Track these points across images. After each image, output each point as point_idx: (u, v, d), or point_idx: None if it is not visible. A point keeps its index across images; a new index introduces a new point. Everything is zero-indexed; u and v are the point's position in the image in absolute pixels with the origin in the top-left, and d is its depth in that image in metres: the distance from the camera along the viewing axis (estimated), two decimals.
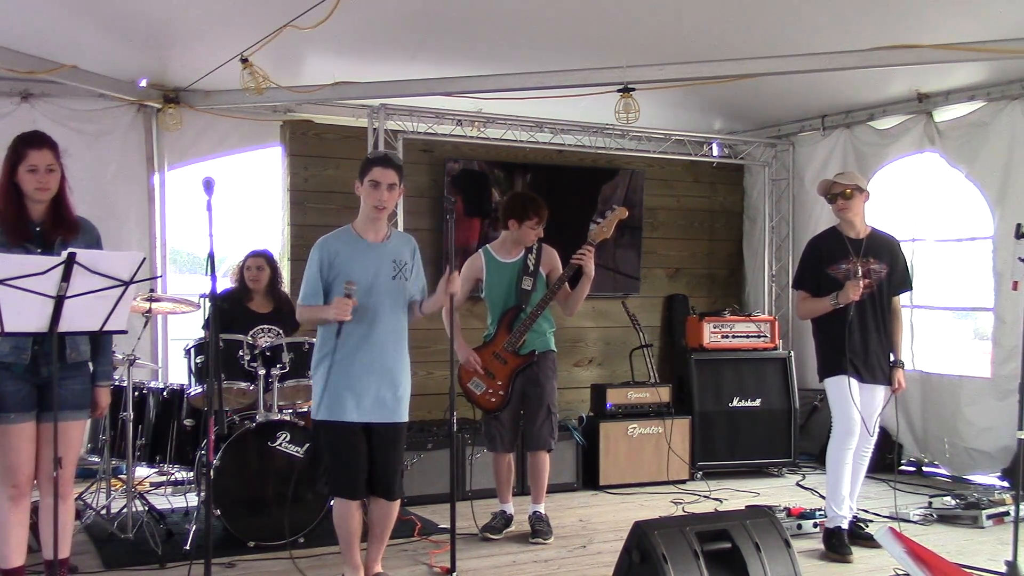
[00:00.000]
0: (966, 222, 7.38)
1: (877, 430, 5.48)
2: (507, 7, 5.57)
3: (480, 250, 5.89)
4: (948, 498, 6.19)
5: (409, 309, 4.52)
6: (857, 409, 5.30)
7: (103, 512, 5.59)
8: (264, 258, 6.36)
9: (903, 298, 5.73)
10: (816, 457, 7.58)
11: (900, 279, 5.53)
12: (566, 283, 5.63)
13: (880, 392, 5.44)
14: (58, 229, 4.04)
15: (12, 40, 5.96)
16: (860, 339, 5.34)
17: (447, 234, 4.82)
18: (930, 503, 6.22)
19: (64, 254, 3.71)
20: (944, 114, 7.35)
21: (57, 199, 4.07)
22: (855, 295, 5.25)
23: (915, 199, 7.61)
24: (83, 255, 3.74)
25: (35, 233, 4.02)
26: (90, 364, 4.20)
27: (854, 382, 5.32)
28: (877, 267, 5.40)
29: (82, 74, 6.45)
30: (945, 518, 6.02)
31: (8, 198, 3.99)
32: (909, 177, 7.68)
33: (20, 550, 4.12)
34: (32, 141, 4.01)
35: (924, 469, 7.63)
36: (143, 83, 7.00)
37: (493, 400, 5.67)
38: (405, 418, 4.50)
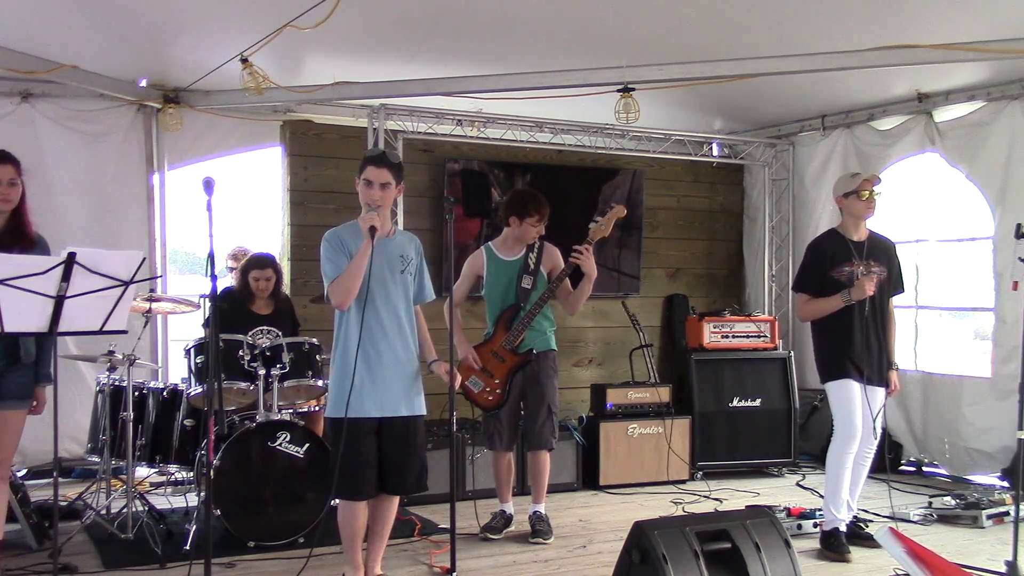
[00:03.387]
0: (966, 222, 7.38)
1: (880, 431, 5.47)
2: (507, 7, 5.57)
3: (482, 247, 5.89)
4: (948, 498, 6.19)
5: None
6: (861, 414, 5.29)
7: (103, 512, 5.58)
8: (271, 267, 6.24)
9: (907, 298, 5.71)
10: (816, 457, 7.58)
11: (895, 281, 5.54)
12: (568, 282, 5.64)
13: (881, 394, 5.43)
14: (18, 241, 4.22)
15: (12, 40, 5.96)
16: (862, 341, 5.33)
17: (447, 234, 4.81)
18: (930, 503, 6.22)
19: (64, 253, 3.73)
20: (944, 114, 7.35)
21: (17, 212, 4.28)
22: (870, 290, 5.23)
23: (916, 200, 7.61)
24: (83, 254, 3.75)
25: None
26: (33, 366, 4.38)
27: (858, 385, 5.31)
28: (878, 269, 5.39)
29: (82, 74, 6.46)
30: (945, 518, 6.02)
31: None
32: (910, 178, 7.68)
33: None
34: None
35: (924, 469, 7.63)
36: (143, 83, 7.00)
37: (490, 399, 5.67)
38: (423, 411, 4.49)
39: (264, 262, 6.25)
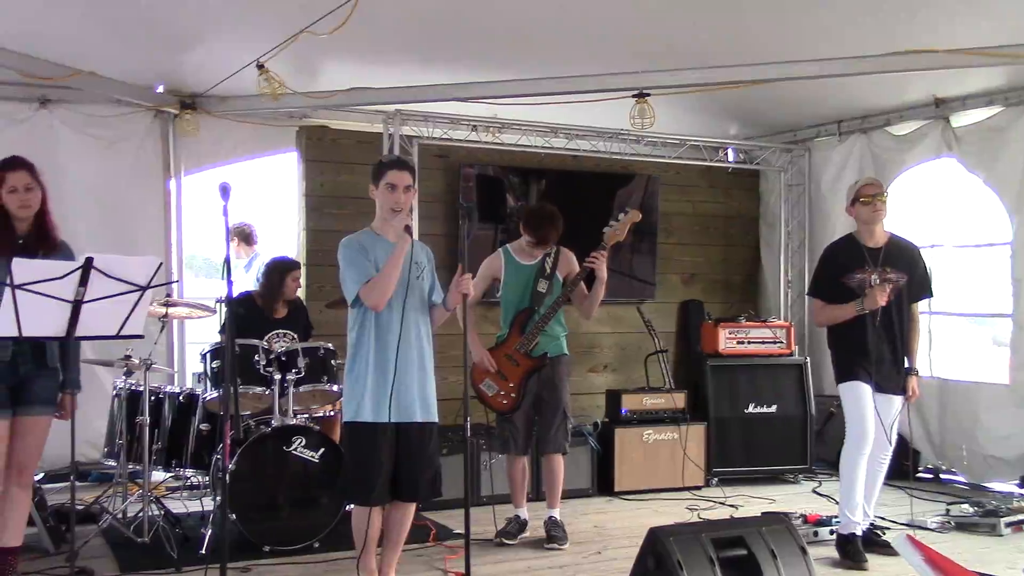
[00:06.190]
0: (984, 228, 7.34)
1: (895, 439, 5.44)
2: (522, 13, 5.57)
3: (500, 249, 5.91)
4: (966, 505, 6.14)
5: (431, 311, 4.53)
6: (872, 416, 5.26)
7: (119, 516, 5.60)
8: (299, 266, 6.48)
9: (923, 304, 5.66)
10: (832, 464, 7.51)
11: (919, 286, 5.46)
12: (583, 285, 5.64)
13: (896, 401, 5.39)
14: (40, 244, 4.32)
15: (30, 46, 5.99)
16: (876, 348, 5.28)
17: (462, 239, 4.82)
18: (948, 510, 6.17)
19: (82, 259, 3.76)
20: (961, 119, 7.31)
21: (40, 215, 4.37)
22: (882, 300, 5.19)
23: (933, 205, 7.57)
24: (100, 260, 3.78)
25: (17, 246, 4.23)
26: (60, 371, 4.42)
27: (870, 390, 5.28)
28: (894, 276, 5.31)
29: (99, 80, 6.48)
30: (963, 526, 5.97)
31: None
32: (927, 183, 7.65)
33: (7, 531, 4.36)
34: (8, 165, 4.33)
35: (942, 476, 7.58)
36: (160, 88, 7.04)
37: (504, 402, 5.67)
38: (436, 418, 4.48)
39: (296, 262, 6.46)
